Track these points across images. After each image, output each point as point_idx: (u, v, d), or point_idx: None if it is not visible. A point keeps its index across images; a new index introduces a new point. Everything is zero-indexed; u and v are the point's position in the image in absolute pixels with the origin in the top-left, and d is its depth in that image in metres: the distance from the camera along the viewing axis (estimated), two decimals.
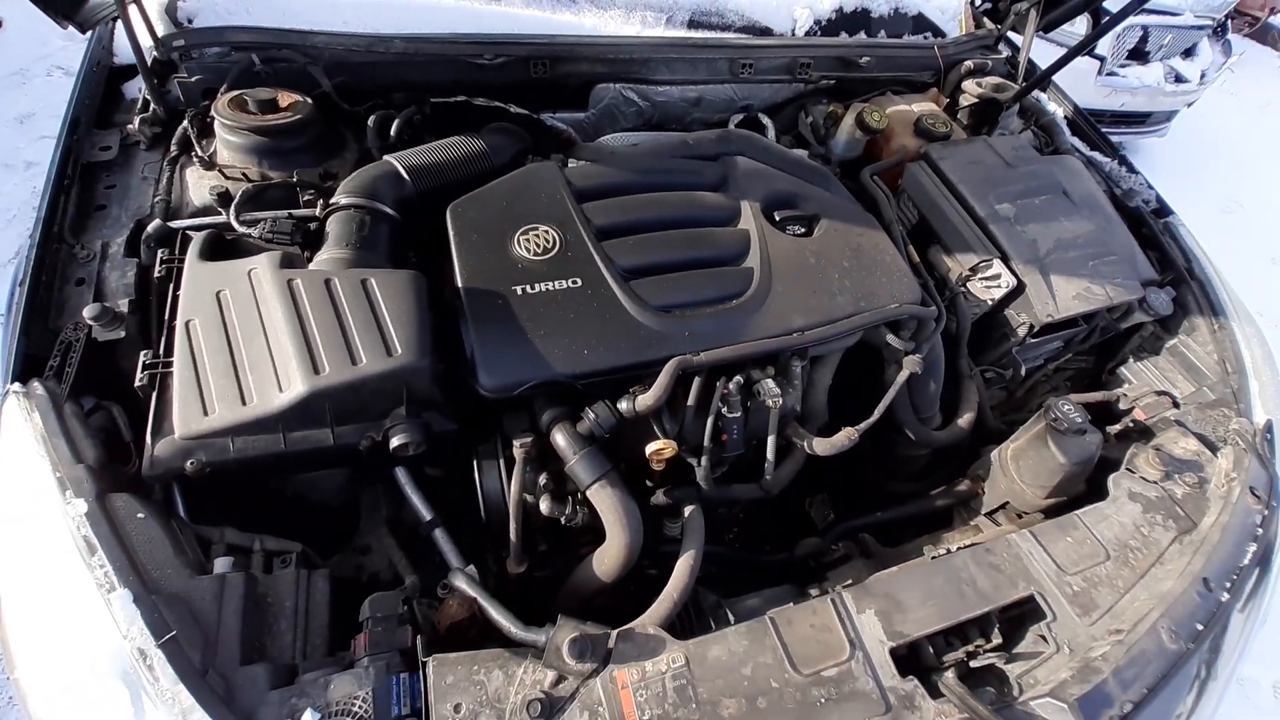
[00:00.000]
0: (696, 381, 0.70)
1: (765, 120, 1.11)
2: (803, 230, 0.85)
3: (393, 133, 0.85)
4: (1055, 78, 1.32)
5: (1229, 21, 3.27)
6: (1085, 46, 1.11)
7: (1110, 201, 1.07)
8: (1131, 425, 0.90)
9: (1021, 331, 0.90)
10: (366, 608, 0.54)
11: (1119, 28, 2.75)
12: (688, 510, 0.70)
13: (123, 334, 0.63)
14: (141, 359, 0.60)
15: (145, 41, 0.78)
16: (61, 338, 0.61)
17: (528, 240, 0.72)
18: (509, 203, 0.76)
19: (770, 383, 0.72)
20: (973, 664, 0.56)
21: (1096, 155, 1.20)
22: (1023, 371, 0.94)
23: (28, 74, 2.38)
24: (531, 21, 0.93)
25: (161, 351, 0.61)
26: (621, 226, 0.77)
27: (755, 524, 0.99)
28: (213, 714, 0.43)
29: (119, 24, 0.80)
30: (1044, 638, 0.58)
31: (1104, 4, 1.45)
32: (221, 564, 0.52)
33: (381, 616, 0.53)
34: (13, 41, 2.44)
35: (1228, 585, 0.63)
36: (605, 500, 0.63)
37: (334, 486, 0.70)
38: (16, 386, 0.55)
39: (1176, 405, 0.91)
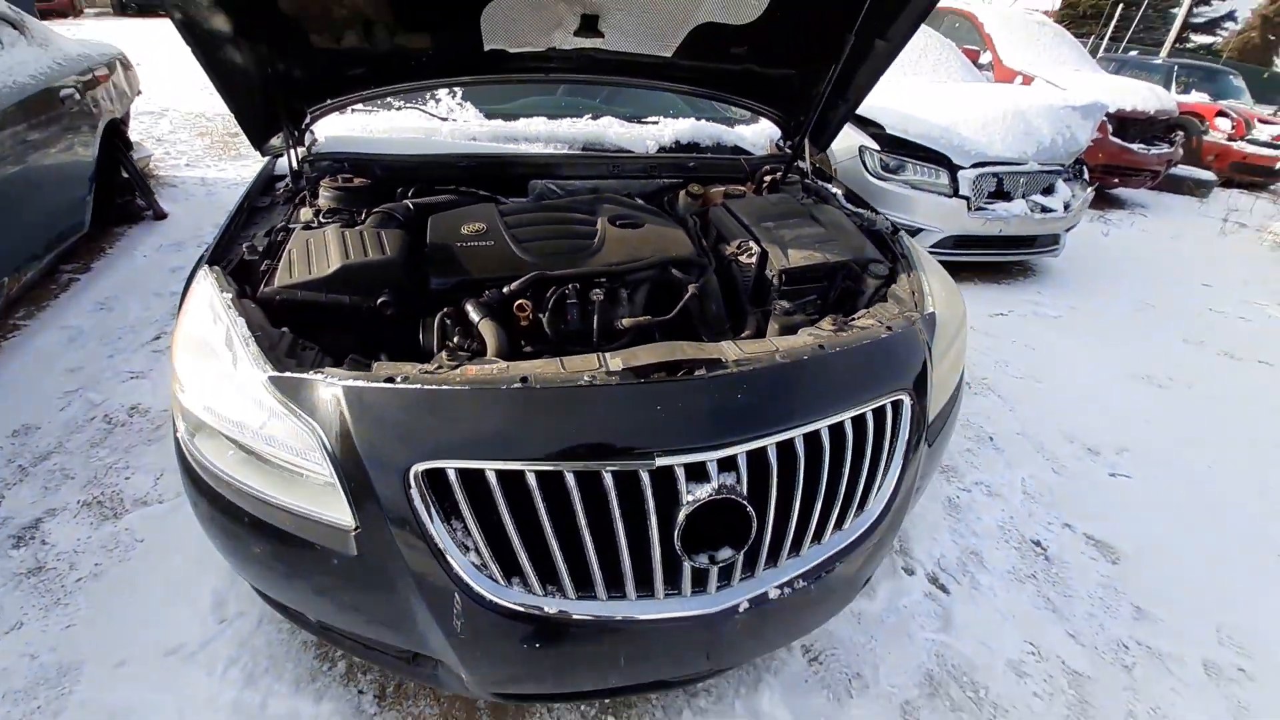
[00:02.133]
0: (552, 288, 1.26)
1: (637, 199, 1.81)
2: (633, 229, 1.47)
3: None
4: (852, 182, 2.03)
5: (1082, 166, 4.16)
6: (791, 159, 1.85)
7: (857, 228, 1.68)
8: None
9: (775, 281, 1.44)
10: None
11: (974, 174, 3.64)
12: None
13: (256, 258, 1.25)
14: (265, 264, 1.21)
15: (294, 162, 1.56)
16: (228, 257, 1.24)
17: (468, 227, 1.36)
18: (464, 214, 1.42)
19: (598, 290, 1.27)
20: None
21: (860, 210, 1.85)
22: (775, 307, 1.43)
23: (182, 245, 3.45)
24: (494, 147, 1.71)
25: (274, 264, 1.23)
26: (523, 223, 1.41)
27: None
28: (269, 361, 0.95)
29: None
30: None
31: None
32: (284, 331, 1.06)
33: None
34: (178, 225, 3.65)
35: (838, 349, 1.07)
36: (486, 328, 1.15)
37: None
38: (207, 266, 1.17)
39: None
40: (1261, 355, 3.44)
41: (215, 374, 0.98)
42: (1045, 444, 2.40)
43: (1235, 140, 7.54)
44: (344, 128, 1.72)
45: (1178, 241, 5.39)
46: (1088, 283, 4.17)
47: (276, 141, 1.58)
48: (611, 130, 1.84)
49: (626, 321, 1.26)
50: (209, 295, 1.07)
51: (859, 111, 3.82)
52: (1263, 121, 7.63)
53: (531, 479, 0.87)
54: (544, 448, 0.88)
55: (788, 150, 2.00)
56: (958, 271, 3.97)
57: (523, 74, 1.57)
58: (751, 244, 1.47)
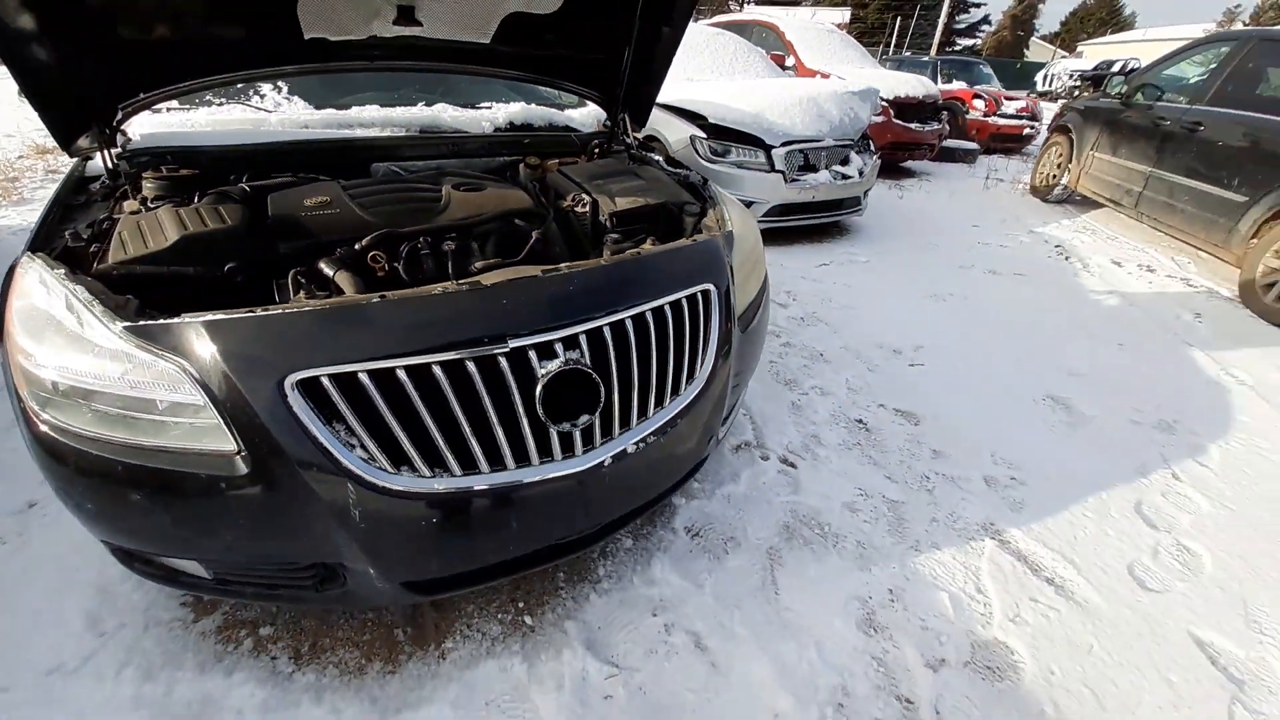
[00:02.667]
0: (404, 243, 1.39)
1: None
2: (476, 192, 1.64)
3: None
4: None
5: (868, 140, 5.00)
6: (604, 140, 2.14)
7: (674, 180, 1.99)
8: None
9: (608, 223, 1.68)
10: None
11: (784, 151, 4.26)
12: None
13: (81, 244, 1.23)
14: (94, 247, 1.21)
15: (109, 161, 1.52)
16: (50, 247, 1.21)
17: (311, 199, 1.44)
18: (306, 190, 1.49)
19: (449, 242, 1.42)
20: None
21: (677, 169, 2.17)
22: (607, 240, 1.69)
23: None
24: (330, 132, 1.79)
25: (104, 246, 1.22)
26: (368, 193, 1.51)
27: None
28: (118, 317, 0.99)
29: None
30: None
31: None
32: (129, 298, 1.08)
33: None
34: None
35: (653, 254, 1.34)
36: (343, 279, 1.25)
37: None
38: (29, 253, 1.14)
39: None
40: (1016, 270, 4.38)
41: (62, 339, 1.00)
42: (862, 352, 2.91)
43: (990, 116, 9.33)
44: (160, 125, 1.70)
45: (953, 197, 6.58)
46: (888, 234, 5.01)
47: (85, 142, 1.54)
48: (447, 114, 2.00)
49: (479, 264, 1.43)
50: (38, 273, 1.07)
51: (686, 107, 4.36)
52: (1008, 99, 9.55)
53: (402, 374, 1.01)
54: (408, 345, 1.02)
55: (613, 129, 2.29)
56: (790, 236, 4.63)
57: (347, 62, 1.67)
58: (584, 195, 1.70)
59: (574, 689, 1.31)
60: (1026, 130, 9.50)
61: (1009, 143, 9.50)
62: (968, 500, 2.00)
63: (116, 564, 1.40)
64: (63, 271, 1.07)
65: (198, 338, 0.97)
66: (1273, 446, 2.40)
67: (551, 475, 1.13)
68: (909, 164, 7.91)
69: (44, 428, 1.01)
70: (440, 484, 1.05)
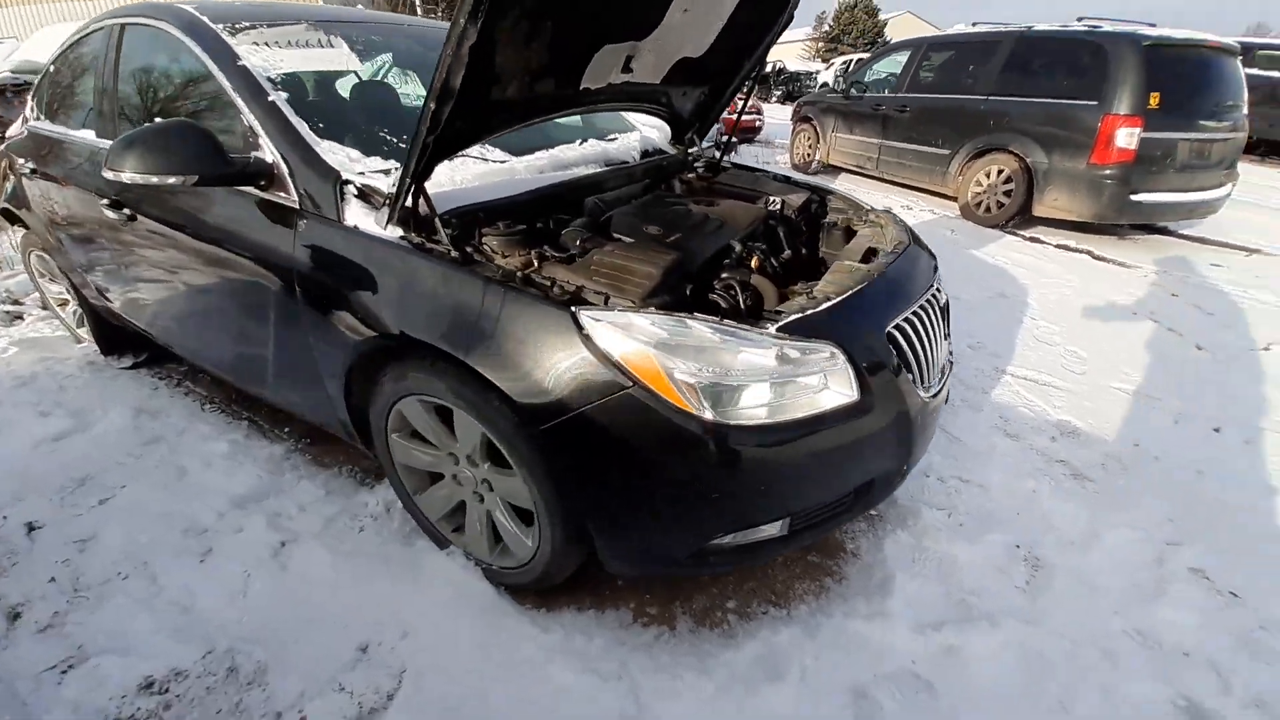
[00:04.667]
0: (747, 245, 1.71)
1: None
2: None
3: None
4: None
5: None
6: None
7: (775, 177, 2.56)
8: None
9: (794, 214, 2.20)
10: None
11: None
12: None
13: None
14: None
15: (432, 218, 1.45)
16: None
17: (653, 230, 1.65)
18: (631, 221, 1.67)
19: (758, 241, 1.78)
20: None
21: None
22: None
23: None
24: (556, 178, 1.89)
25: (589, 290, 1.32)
26: (665, 219, 1.76)
27: None
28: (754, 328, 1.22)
29: None
30: None
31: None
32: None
33: None
34: None
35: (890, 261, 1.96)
36: (757, 279, 1.57)
37: None
38: (573, 308, 1.20)
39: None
40: None
41: (725, 354, 1.18)
42: None
43: (733, 114, 11.61)
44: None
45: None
46: None
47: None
48: (613, 146, 2.21)
49: (786, 253, 1.84)
50: (621, 316, 1.19)
51: None
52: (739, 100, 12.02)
53: (904, 321, 1.46)
54: (905, 300, 1.48)
55: (685, 147, 2.72)
56: None
57: (588, 106, 1.85)
58: (770, 196, 2.19)
59: (935, 569, 1.88)
60: (758, 123, 12.09)
61: (749, 133, 11.99)
62: (975, 361, 3.09)
63: (523, 656, 1.44)
64: (650, 310, 1.21)
65: (832, 319, 1.27)
66: (1052, 291, 4.11)
67: (936, 391, 1.68)
68: None
69: (724, 429, 1.17)
70: (922, 393, 1.52)
